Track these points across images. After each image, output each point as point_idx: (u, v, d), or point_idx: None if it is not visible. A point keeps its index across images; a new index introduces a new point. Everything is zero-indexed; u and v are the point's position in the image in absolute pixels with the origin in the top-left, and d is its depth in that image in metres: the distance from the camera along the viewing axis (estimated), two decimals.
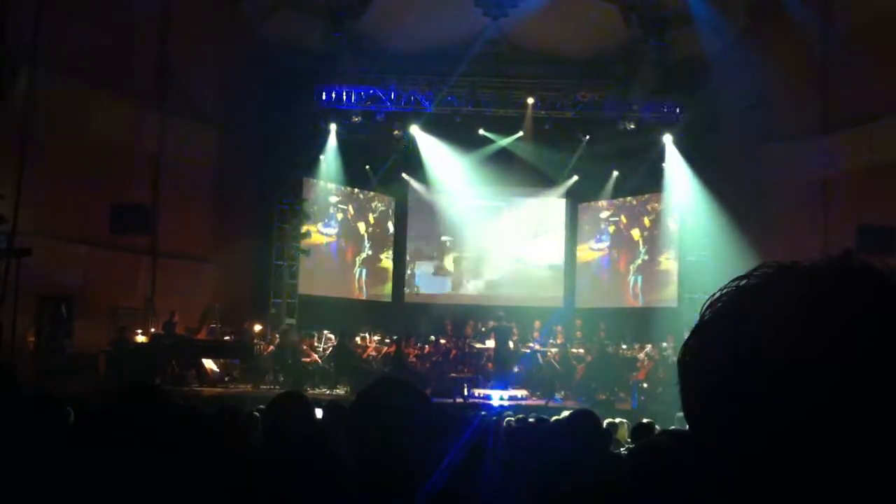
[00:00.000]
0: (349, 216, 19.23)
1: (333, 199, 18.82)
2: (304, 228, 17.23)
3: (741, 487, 0.62)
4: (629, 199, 19.14)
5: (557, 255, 20.23)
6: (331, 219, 18.88)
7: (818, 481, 0.59)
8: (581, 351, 15.33)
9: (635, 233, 19.01)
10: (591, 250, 19.88)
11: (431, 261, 20.37)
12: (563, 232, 20.22)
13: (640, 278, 18.87)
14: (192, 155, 15.59)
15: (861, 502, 0.58)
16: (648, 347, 14.56)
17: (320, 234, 18.51)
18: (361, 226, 19.46)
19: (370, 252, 19.68)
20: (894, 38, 13.20)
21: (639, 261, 18.94)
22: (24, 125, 9.95)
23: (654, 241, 18.59)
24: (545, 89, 17.39)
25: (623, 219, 19.31)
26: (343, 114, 17.51)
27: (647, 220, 18.82)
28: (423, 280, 20.30)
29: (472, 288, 20.13)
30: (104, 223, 13.45)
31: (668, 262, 18.14)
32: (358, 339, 15.45)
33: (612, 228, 19.52)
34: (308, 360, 14.72)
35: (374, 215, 19.79)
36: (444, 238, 20.31)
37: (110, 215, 13.56)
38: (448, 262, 20.30)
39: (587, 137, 18.39)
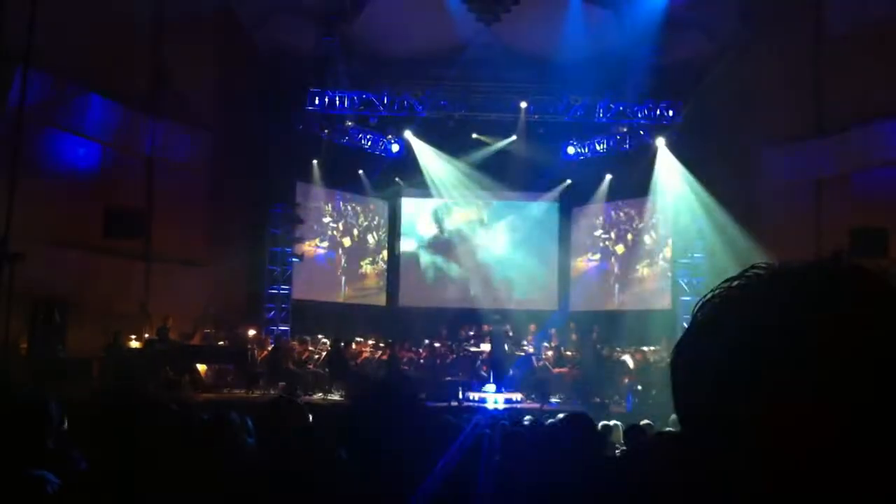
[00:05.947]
0: (336, 233, 19.21)
1: (326, 219, 18.88)
2: (296, 233, 17.22)
3: (733, 488, 0.62)
4: (620, 213, 19.21)
5: (551, 259, 20.26)
6: (324, 236, 18.91)
7: (810, 481, 0.59)
8: (575, 354, 15.34)
9: (619, 248, 19.20)
10: (585, 262, 19.96)
11: (425, 264, 20.36)
12: (556, 236, 20.26)
13: (629, 284, 18.96)
14: (185, 159, 15.57)
15: (856, 499, 0.58)
16: (645, 350, 14.61)
17: (317, 248, 18.52)
18: (346, 240, 19.46)
19: (349, 263, 19.62)
20: (888, 42, 13.27)
21: (619, 269, 19.09)
22: (17, 127, 9.90)
23: (643, 248, 18.67)
24: (538, 93, 17.41)
25: (612, 235, 19.44)
26: (336, 118, 17.51)
27: (629, 236, 19.06)
28: (417, 283, 20.27)
29: (466, 291, 20.10)
30: (98, 227, 13.41)
31: (658, 267, 18.24)
32: (352, 344, 15.44)
33: (601, 244, 19.64)
34: (307, 355, 14.77)
35: (358, 230, 19.74)
36: (437, 241, 20.30)
37: (104, 219, 13.52)
38: (442, 266, 20.28)
39: (580, 141, 18.42)
